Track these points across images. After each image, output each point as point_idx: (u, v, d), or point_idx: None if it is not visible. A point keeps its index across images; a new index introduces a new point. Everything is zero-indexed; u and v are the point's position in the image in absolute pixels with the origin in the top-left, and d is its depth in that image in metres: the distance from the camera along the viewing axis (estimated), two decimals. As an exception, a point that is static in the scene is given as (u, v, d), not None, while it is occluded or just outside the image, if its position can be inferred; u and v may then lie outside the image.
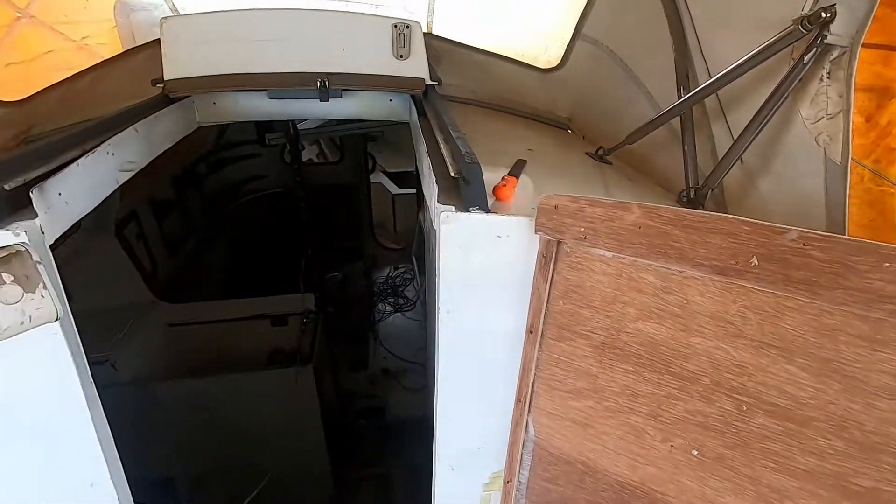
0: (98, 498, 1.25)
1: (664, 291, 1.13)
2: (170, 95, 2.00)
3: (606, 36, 2.15)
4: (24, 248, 0.79)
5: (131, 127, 1.62)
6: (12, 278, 0.77)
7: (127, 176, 1.56)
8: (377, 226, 6.33)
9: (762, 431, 1.08)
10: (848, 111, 1.21)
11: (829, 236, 0.95)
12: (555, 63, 2.37)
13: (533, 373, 1.33)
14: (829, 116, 1.27)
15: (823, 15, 1.13)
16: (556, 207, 1.21)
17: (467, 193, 1.25)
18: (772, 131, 1.45)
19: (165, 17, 1.93)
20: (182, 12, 2.26)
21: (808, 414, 1.03)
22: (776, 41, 1.28)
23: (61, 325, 1.04)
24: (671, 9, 1.77)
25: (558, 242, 1.23)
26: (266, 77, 2.03)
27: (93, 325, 3.24)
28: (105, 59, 2.27)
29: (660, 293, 1.14)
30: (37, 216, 1.10)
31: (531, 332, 1.31)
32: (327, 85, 2.05)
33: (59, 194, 1.22)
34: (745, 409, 1.09)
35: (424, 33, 2.36)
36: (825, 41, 1.17)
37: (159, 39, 1.96)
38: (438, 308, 1.31)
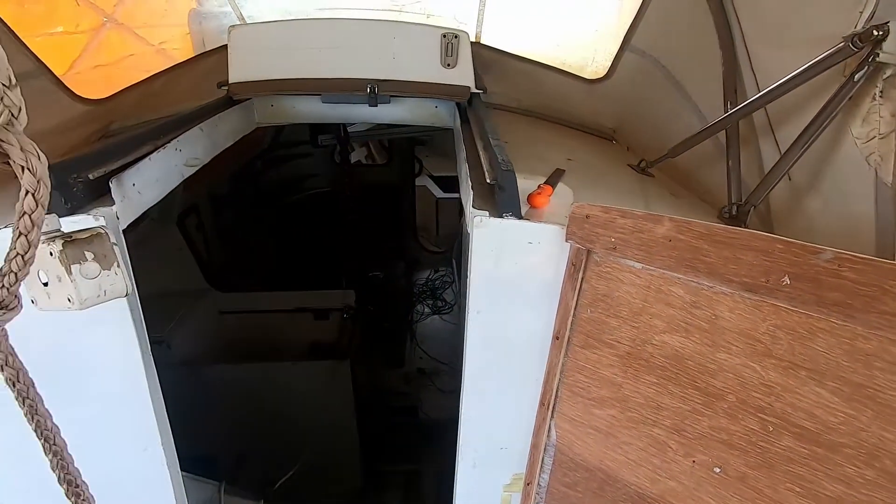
0: (150, 462, 1.37)
1: (692, 306, 1.14)
2: (233, 97, 2.15)
3: (655, 47, 2.14)
4: (104, 231, 0.91)
5: (197, 126, 1.76)
6: (93, 256, 0.88)
7: (192, 170, 1.70)
8: (420, 228, 6.44)
9: (788, 454, 1.06)
10: (901, 131, 1.17)
11: (866, 258, 0.93)
12: (601, 74, 2.37)
13: (558, 378, 1.35)
14: (881, 136, 1.23)
15: (875, 33, 1.10)
16: (587, 217, 1.23)
17: (501, 199, 1.29)
18: (821, 149, 1.41)
19: (233, 25, 2.08)
20: (248, 20, 2.43)
21: (838, 440, 1.00)
22: (826, 58, 1.25)
23: (129, 302, 1.16)
24: (722, 23, 1.75)
25: (588, 251, 1.25)
26: (320, 82, 2.15)
27: (152, 307, 3.50)
28: (178, 62, 2.47)
29: (688, 307, 1.14)
30: (114, 203, 1.24)
31: (557, 339, 1.33)
32: (376, 91, 2.14)
33: (133, 185, 1.35)
34: (771, 429, 1.07)
35: (472, 42, 2.42)
36: (877, 59, 1.14)
37: (226, 45, 2.12)
38: (468, 308, 1.36)
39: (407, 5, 2.29)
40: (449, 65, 2.16)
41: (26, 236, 0.50)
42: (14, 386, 0.56)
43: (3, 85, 0.42)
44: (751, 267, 1.04)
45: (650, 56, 2.20)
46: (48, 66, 2.09)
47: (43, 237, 0.89)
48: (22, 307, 0.55)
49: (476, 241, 1.30)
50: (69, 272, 0.87)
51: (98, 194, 1.27)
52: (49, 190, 0.50)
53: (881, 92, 1.20)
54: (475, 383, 1.44)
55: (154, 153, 1.47)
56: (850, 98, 1.24)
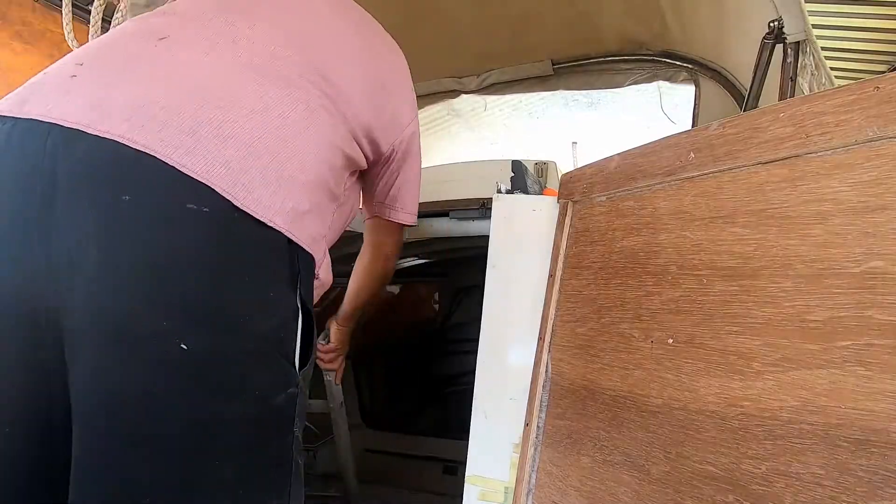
0: None
1: (639, 208, 1.36)
2: (391, 216, 3.15)
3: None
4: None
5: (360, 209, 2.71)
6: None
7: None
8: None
9: (722, 297, 1.08)
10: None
11: (740, 115, 1.16)
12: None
13: (552, 312, 1.52)
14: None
15: (774, 25, 1.47)
16: (570, 178, 1.62)
17: (514, 183, 1.78)
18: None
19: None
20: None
21: (756, 265, 1.04)
22: (761, 55, 1.59)
23: None
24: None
25: (572, 202, 1.60)
26: (448, 203, 3.04)
27: (318, 421, 4.20)
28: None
29: (636, 211, 1.36)
30: None
31: (551, 276, 1.57)
32: (487, 205, 2.91)
33: None
34: (705, 281, 1.13)
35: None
36: (787, 41, 1.46)
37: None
38: (487, 265, 1.72)
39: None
40: (540, 185, 2.85)
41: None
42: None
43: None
44: (669, 158, 1.30)
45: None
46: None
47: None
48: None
49: (494, 210, 1.76)
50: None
51: None
52: None
53: (811, 71, 1.46)
54: (490, 336, 1.67)
55: None
56: (793, 81, 1.51)
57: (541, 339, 1.53)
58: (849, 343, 0.86)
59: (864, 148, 0.93)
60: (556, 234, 1.61)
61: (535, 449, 1.42)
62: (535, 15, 2.57)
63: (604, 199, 1.49)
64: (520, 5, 2.54)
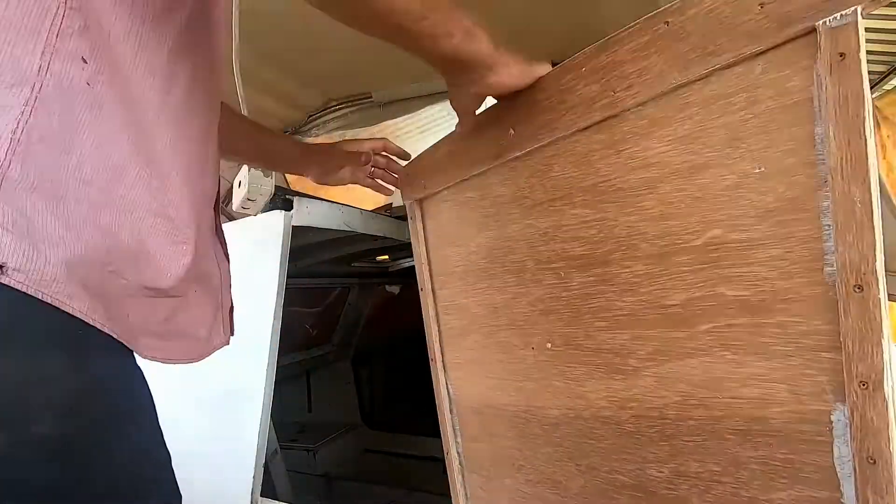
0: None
1: (480, 198, 1.20)
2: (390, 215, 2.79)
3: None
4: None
5: (359, 210, 2.33)
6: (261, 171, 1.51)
7: (347, 228, 2.19)
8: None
9: (582, 290, 0.97)
10: None
11: (544, 76, 1.01)
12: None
13: (435, 328, 1.38)
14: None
15: None
16: (408, 173, 1.43)
17: None
18: None
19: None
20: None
21: (605, 248, 0.92)
22: None
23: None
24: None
25: (417, 201, 1.41)
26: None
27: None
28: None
29: (478, 201, 1.21)
30: (292, 209, 1.74)
31: (422, 290, 1.41)
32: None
33: (307, 207, 1.86)
34: (563, 275, 1.01)
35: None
36: None
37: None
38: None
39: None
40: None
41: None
42: None
43: None
44: (493, 138, 1.13)
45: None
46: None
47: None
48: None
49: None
50: (248, 172, 1.49)
51: (287, 207, 1.80)
52: None
53: None
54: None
55: (327, 202, 2.01)
56: None
57: (432, 360, 1.39)
58: (710, 326, 0.77)
59: (674, 98, 0.80)
60: (413, 243, 1.44)
61: (462, 476, 1.33)
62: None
63: (446, 192, 1.32)
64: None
